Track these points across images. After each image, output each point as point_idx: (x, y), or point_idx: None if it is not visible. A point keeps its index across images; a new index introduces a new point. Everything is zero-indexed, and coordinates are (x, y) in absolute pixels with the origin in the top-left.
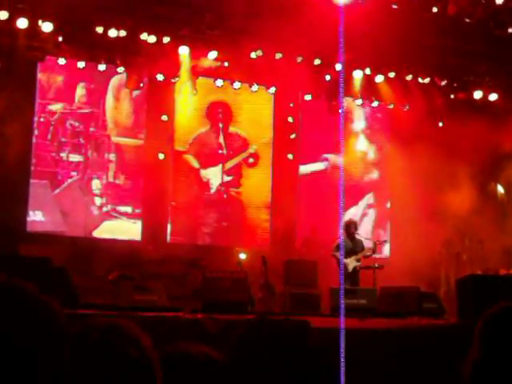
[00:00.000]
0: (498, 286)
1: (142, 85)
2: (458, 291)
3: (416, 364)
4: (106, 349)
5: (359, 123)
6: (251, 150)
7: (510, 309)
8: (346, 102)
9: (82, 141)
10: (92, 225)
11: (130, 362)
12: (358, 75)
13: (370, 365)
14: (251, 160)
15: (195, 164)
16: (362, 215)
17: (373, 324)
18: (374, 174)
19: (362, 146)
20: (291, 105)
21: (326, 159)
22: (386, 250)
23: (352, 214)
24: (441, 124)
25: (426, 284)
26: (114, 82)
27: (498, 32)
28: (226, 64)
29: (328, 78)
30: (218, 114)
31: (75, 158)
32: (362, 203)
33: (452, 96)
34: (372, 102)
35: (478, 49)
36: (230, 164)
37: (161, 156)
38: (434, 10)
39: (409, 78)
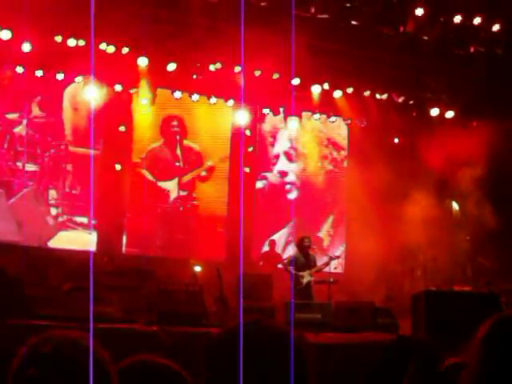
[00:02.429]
0: (451, 301)
1: (90, 93)
2: (412, 306)
3: (370, 379)
4: (59, 362)
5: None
6: (207, 166)
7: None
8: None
9: (38, 150)
10: (47, 235)
11: (83, 375)
12: (316, 90)
13: (325, 379)
14: (204, 173)
15: (150, 177)
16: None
17: (327, 338)
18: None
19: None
20: (246, 118)
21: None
22: (340, 265)
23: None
24: (396, 140)
25: (380, 299)
26: (70, 90)
27: (455, 50)
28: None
29: (286, 91)
30: (173, 127)
31: (31, 167)
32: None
33: (409, 112)
34: (330, 116)
35: (436, 66)
36: (186, 178)
37: (117, 167)
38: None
39: (366, 93)
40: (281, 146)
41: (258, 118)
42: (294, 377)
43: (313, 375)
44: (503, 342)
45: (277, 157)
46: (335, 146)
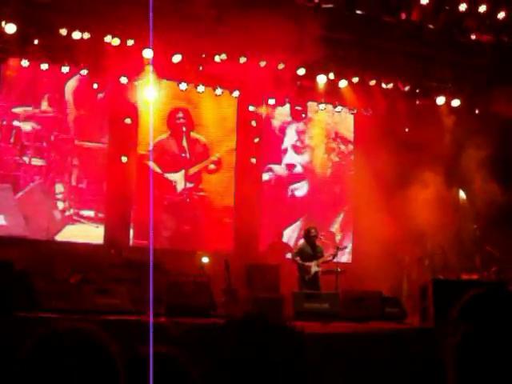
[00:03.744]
0: (459, 290)
1: (96, 86)
2: (421, 296)
3: (378, 368)
4: (66, 354)
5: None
6: (214, 158)
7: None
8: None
9: (44, 144)
10: (54, 229)
11: (90, 367)
12: (321, 80)
13: (333, 369)
14: (212, 166)
15: (157, 169)
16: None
17: (335, 328)
18: (336, 180)
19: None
20: (251, 108)
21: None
22: (347, 255)
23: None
24: (407, 129)
25: (388, 289)
26: (72, 84)
27: (460, 38)
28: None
29: (291, 82)
30: (179, 119)
31: (38, 161)
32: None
33: (414, 101)
34: (335, 106)
35: (441, 54)
36: (192, 170)
37: (124, 159)
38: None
39: (372, 83)
40: (289, 140)
41: (267, 113)
42: (294, 372)
43: (312, 371)
44: (476, 317)
45: (285, 151)
46: (343, 140)
